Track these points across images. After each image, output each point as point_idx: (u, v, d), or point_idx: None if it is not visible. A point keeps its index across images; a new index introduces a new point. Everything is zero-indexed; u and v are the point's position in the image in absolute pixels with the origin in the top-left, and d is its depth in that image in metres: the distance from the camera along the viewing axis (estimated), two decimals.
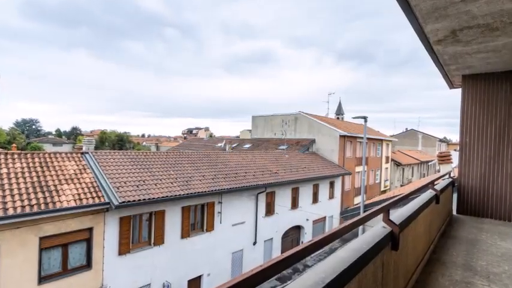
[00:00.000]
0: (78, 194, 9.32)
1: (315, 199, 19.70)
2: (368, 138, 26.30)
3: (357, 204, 22.92)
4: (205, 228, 12.85)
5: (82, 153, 11.67)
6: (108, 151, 12.86)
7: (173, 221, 11.63)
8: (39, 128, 72.34)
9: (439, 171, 11.54)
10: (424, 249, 3.29)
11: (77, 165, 10.74)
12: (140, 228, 10.87)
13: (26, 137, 60.02)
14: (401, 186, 33.96)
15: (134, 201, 9.76)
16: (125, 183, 10.45)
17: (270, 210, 16.24)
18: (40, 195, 8.72)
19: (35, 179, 9.34)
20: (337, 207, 22.38)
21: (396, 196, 2.56)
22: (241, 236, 14.62)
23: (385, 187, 31.89)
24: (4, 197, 8.23)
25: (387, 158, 33.01)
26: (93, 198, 9.41)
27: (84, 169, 10.67)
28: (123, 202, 9.47)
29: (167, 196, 10.74)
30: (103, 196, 9.65)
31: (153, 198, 10.31)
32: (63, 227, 8.83)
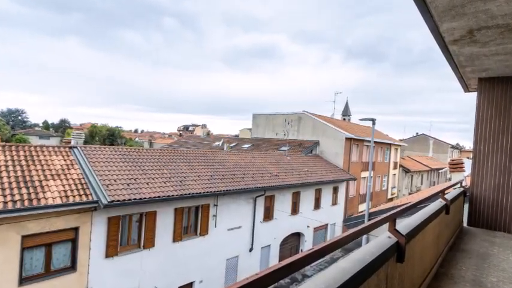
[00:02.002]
0: (65, 191, 9.32)
1: (317, 205, 19.72)
2: (375, 142, 26.31)
3: (362, 211, 22.92)
4: (198, 232, 12.85)
5: (70, 148, 11.67)
6: (98, 146, 12.86)
7: (165, 223, 11.63)
8: (25, 119, 72.42)
9: (450, 179, 11.54)
10: (431, 262, 3.29)
11: (65, 160, 10.74)
12: (129, 229, 10.86)
13: (11, 128, 60.05)
14: (410, 194, 33.99)
15: (124, 200, 9.75)
16: (114, 181, 10.45)
17: (268, 215, 16.25)
18: (24, 190, 8.71)
19: (19, 173, 9.34)
20: (340, 214, 22.40)
21: (404, 204, 2.56)
22: (237, 242, 14.62)
23: (392, 195, 31.92)
24: None
25: (395, 163, 33.04)
26: (80, 196, 9.41)
27: (72, 164, 10.67)
28: (112, 201, 9.47)
29: (159, 196, 10.74)
30: (91, 194, 9.65)
31: (144, 198, 10.31)
32: (47, 225, 8.83)
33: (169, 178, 12.18)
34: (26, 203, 8.38)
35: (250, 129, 36.16)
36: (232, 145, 28.73)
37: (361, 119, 15.32)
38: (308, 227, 18.96)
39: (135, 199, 10.06)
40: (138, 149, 14.09)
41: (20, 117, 71.57)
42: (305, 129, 26.52)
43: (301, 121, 26.86)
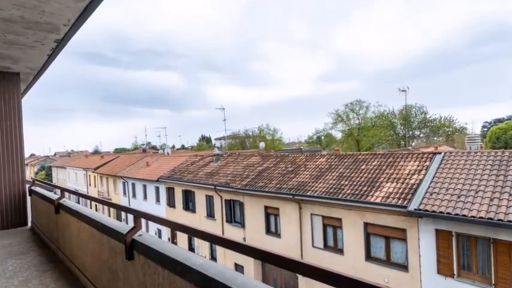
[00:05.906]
0: (391, 193, 10.75)
1: None
2: None
3: None
4: None
5: (431, 153, 12.01)
6: (463, 151, 12.59)
7: None
8: None
9: None
10: None
11: (417, 166, 11.69)
12: (473, 254, 9.14)
13: None
14: None
15: (433, 211, 9.11)
16: (447, 190, 9.73)
17: None
18: (364, 188, 11.43)
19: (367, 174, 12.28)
20: None
21: None
22: None
23: None
24: None
25: None
26: (399, 199, 10.27)
27: (420, 170, 11.31)
28: (419, 210, 9.27)
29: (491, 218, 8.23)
30: (409, 199, 10.00)
31: (466, 216, 8.60)
32: (378, 219, 10.79)
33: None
34: (359, 198, 10.87)
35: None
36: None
37: None
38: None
39: (448, 213, 8.83)
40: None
41: None
42: None
43: None
